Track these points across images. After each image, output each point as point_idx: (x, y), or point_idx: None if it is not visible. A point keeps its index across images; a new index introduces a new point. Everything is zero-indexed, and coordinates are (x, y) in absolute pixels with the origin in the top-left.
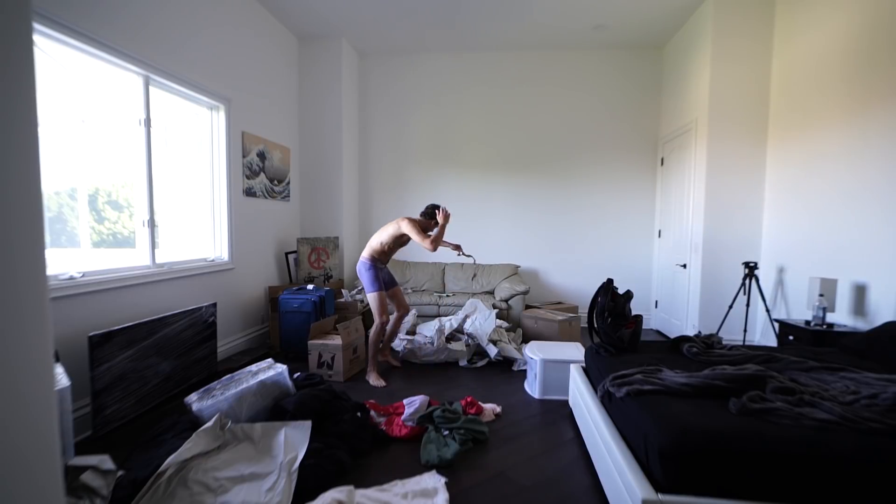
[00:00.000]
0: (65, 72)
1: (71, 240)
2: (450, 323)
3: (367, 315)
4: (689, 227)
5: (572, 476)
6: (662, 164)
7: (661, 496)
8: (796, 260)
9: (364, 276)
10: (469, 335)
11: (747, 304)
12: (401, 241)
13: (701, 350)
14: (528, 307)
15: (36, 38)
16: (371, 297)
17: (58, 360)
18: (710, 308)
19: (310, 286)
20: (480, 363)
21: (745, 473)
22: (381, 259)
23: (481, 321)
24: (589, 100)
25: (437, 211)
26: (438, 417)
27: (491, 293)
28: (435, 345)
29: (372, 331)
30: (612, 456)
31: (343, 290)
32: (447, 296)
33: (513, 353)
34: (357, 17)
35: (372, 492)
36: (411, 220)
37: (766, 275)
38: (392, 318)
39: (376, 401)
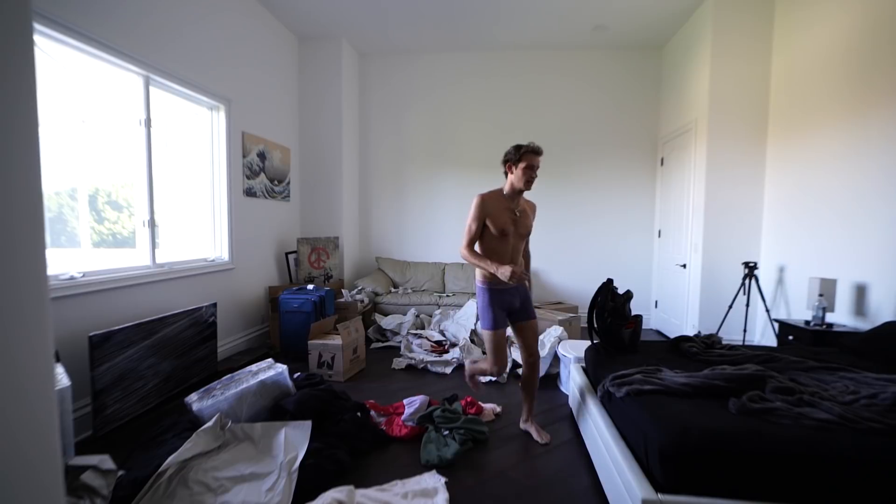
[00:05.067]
0: (65, 72)
1: (71, 240)
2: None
3: (367, 315)
4: (689, 226)
5: (572, 476)
6: (662, 163)
7: (661, 496)
8: (796, 260)
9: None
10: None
11: (747, 304)
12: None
13: (701, 350)
14: None
15: (36, 38)
16: (486, 336)
17: (58, 360)
18: (710, 308)
19: (310, 286)
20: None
21: (745, 473)
22: (495, 277)
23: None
24: (589, 100)
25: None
26: (438, 417)
27: None
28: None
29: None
30: (612, 456)
31: (343, 290)
32: (447, 295)
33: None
34: (357, 17)
35: (372, 492)
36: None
37: (765, 275)
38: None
39: (376, 401)
